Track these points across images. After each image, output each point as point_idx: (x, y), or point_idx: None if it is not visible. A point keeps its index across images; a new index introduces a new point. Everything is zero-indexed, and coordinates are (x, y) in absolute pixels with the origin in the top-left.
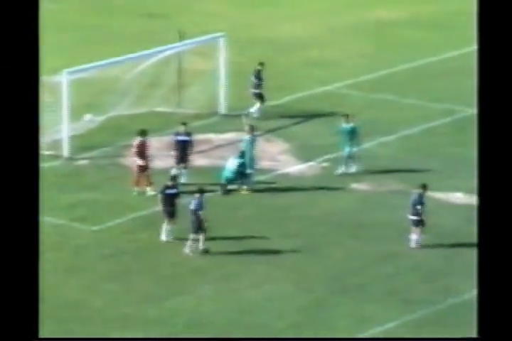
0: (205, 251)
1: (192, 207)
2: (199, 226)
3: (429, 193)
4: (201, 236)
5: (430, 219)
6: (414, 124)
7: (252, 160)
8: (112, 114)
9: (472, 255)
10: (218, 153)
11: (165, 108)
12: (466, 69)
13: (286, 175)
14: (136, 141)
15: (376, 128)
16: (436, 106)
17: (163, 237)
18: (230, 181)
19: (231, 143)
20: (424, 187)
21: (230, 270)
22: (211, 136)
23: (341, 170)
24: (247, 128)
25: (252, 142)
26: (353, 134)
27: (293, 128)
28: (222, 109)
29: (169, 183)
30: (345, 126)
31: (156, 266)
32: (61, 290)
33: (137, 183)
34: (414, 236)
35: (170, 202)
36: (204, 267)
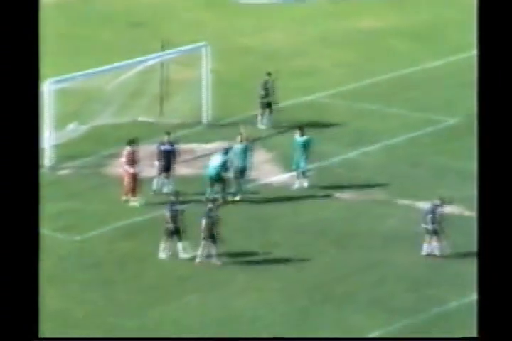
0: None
1: (172, 212)
2: (179, 232)
3: (412, 202)
4: (180, 243)
5: (414, 227)
6: (398, 134)
7: (245, 168)
8: (95, 123)
9: (458, 264)
10: (202, 163)
11: (148, 117)
12: (448, 79)
13: (269, 185)
14: (127, 149)
15: (360, 137)
16: (419, 115)
17: (163, 255)
18: (213, 179)
19: (215, 153)
20: (442, 200)
21: (214, 279)
22: (194, 145)
23: (297, 184)
24: (241, 136)
25: (245, 151)
26: (306, 147)
27: (276, 137)
28: (206, 118)
29: (173, 199)
30: (299, 138)
31: (139, 276)
32: (43, 299)
33: (128, 192)
34: (432, 244)
35: (175, 218)
36: (188, 276)
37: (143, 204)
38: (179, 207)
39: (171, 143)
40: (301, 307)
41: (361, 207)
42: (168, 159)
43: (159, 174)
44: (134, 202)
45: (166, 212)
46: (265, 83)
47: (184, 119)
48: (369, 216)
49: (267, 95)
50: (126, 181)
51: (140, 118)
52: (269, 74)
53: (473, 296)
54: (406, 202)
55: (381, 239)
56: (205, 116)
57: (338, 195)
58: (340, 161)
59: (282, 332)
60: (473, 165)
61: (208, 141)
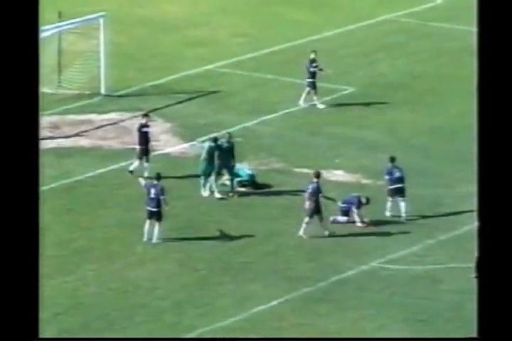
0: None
1: (152, 194)
2: (159, 213)
3: (310, 171)
4: (157, 225)
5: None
6: (296, 103)
7: (222, 166)
8: None
9: (355, 233)
10: (100, 134)
11: (46, 88)
12: (346, 48)
13: (167, 155)
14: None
15: (258, 106)
16: (317, 85)
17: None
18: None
19: (112, 123)
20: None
21: (112, 250)
22: (92, 116)
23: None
24: (229, 135)
25: (232, 150)
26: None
27: (174, 107)
28: (104, 89)
29: (155, 182)
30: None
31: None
32: None
33: None
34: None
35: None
36: (86, 247)
37: None
38: (158, 188)
39: (148, 126)
40: (200, 277)
41: (260, 176)
42: (147, 142)
43: (140, 158)
44: None
45: (148, 194)
46: (312, 61)
47: (82, 90)
48: (267, 184)
49: (314, 74)
50: None
51: None
52: (314, 51)
53: (371, 264)
54: (304, 170)
55: (279, 208)
56: (103, 87)
57: (237, 164)
58: (239, 130)
59: (180, 302)
60: (370, 134)
61: (105, 112)
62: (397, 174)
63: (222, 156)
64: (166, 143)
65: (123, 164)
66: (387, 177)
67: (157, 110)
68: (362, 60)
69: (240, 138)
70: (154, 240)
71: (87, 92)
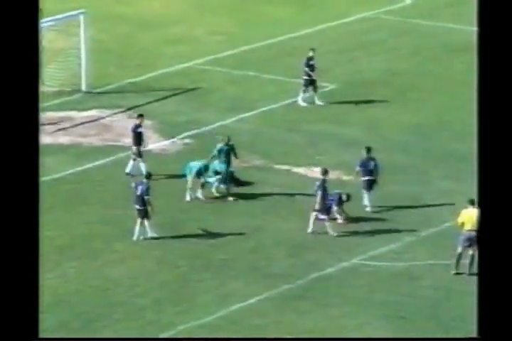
0: (155, 238)
1: (138, 192)
2: (146, 212)
3: (290, 168)
4: (146, 222)
5: (291, 194)
6: (275, 100)
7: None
8: None
9: (336, 229)
10: (80, 131)
11: None
12: (326, 45)
13: (148, 152)
14: None
15: (238, 104)
16: (296, 82)
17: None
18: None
19: (92, 121)
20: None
21: (93, 247)
22: (72, 113)
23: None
24: (227, 138)
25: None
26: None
27: (154, 105)
28: (84, 86)
29: (145, 180)
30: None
31: None
32: None
33: None
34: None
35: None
36: (67, 245)
37: None
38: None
39: (141, 126)
40: (180, 274)
41: (240, 173)
42: (141, 142)
43: (134, 159)
44: None
45: (135, 192)
46: (309, 59)
47: (62, 87)
48: (248, 182)
49: (311, 71)
50: None
51: None
52: (313, 49)
53: (352, 261)
54: (284, 167)
55: (260, 205)
56: (83, 84)
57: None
58: (218, 128)
59: (160, 299)
60: (350, 131)
61: (85, 109)
62: (371, 166)
63: (222, 158)
64: (147, 140)
65: (103, 161)
66: (360, 168)
67: (137, 107)
68: (342, 57)
69: (219, 135)
70: (149, 235)
71: (68, 89)
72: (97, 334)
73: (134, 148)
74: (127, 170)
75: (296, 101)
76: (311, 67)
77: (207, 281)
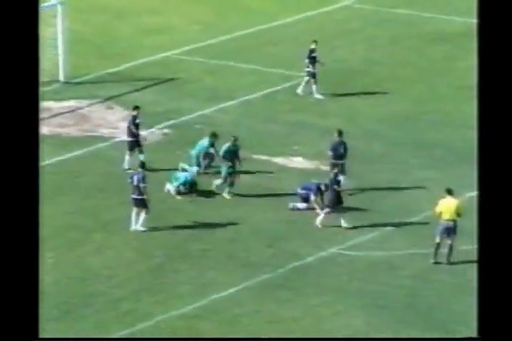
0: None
1: (135, 182)
2: (143, 201)
3: (269, 158)
4: (143, 213)
5: (270, 184)
6: (254, 90)
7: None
8: None
9: (312, 218)
10: (58, 121)
11: None
12: (304, 35)
13: (125, 142)
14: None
15: (216, 93)
16: (275, 71)
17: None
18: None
19: (71, 111)
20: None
21: (71, 238)
22: (51, 103)
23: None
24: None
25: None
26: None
27: (133, 95)
28: (62, 76)
29: (139, 170)
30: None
31: None
32: None
33: None
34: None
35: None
36: (45, 235)
37: None
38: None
39: (137, 117)
40: (158, 264)
41: (218, 163)
42: (138, 133)
43: (132, 150)
44: None
45: (132, 182)
46: (311, 51)
47: (40, 77)
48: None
49: (312, 64)
50: None
51: None
52: (315, 41)
53: (330, 250)
54: (263, 157)
55: (238, 195)
56: (61, 74)
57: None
58: (198, 117)
59: (138, 290)
60: (329, 121)
61: (64, 99)
62: (341, 150)
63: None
64: (125, 130)
65: (81, 152)
66: (331, 153)
67: (115, 97)
68: (321, 46)
69: (198, 125)
70: (138, 227)
71: (46, 79)
72: (75, 324)
73: (130, 140)
74: (126, 166)
75: (312, 94)
76: (313, 59)
77: (185, 271)
